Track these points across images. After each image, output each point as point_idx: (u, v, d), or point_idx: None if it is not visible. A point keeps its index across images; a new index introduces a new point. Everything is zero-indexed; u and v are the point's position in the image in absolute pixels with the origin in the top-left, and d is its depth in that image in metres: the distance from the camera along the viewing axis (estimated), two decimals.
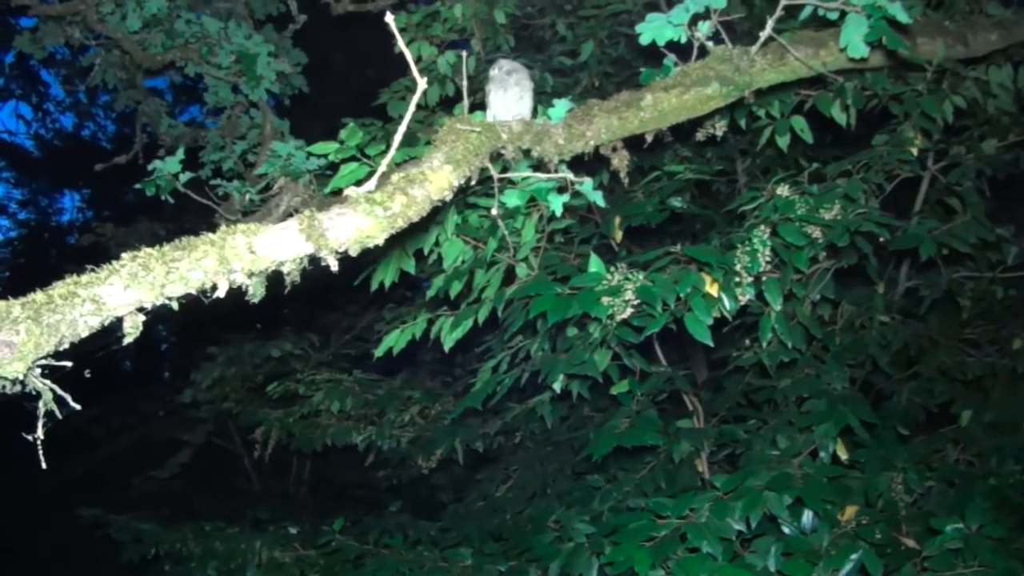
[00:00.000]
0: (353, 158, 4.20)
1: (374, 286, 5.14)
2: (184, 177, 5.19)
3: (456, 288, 5.20)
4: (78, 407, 2.07)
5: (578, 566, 4.82)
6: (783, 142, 5.56)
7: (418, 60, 7.05)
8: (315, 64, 8.52)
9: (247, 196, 6.11)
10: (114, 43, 7.83)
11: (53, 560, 14.55)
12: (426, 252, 5.13)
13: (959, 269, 6.61)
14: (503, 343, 5.80)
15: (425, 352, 11.44)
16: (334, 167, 4.32)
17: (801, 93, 5.45)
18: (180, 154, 5.22)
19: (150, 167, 5.27)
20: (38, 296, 1.96)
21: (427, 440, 7.94)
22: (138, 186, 5.31)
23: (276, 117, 7.53)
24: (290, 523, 7.49)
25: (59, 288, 1.99)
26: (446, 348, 5.32)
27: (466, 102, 3.21)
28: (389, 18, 2.70)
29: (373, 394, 8.20)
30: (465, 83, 3.22)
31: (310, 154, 5.19)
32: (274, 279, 2.51)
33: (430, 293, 5.40)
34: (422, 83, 2.70)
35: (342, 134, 4.33)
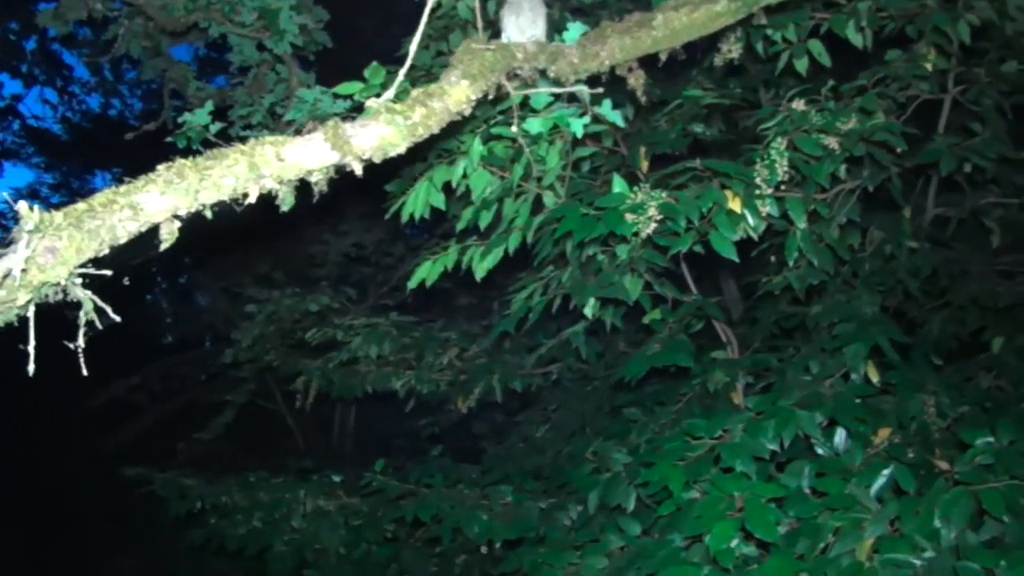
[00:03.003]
0: (378, 95, 4.28)
1: (404, 217, 5.21)
2: (214, 128, 5.27)
3: (485, 219, 5.26)
4: (118, 319, 2.14)
5: (616, 495, 4.90)
6: (801, 66, 5.55)
7: (438, 7, 7.10)
8: (339, 24, 8.56)
9: None
10: (137, 11, 7.90)
11: (107, 520, 14.92)
12: (454, 184, 5.18)
13: (986, 195, 6.60)
14: (535, 275, 5.87)
15: (461, 298, 11.58)
16: (360, 109, 4.42)
17: (816, 17, 5.45)
18: (209, 106, 5.30)
19: (180, 119, 5.36)
20: (79, 205, 2.05)
21: (466, 381, 7.98)
22: (169, 140, 5.40)
23: (301, 72, 7.60)
24: (334, 472, 7.63)
25: (99, 197, 2.09)
26: (478, 277, 5.38)
27: (480, 25, 3.28)
28: None
29: (410, 337, 8.27)
30: (477, 8, 3.29)
31: (336, 96, 5.26)
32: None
33: (460, 225, 5.45)
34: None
35: (366, 73, 4.42)
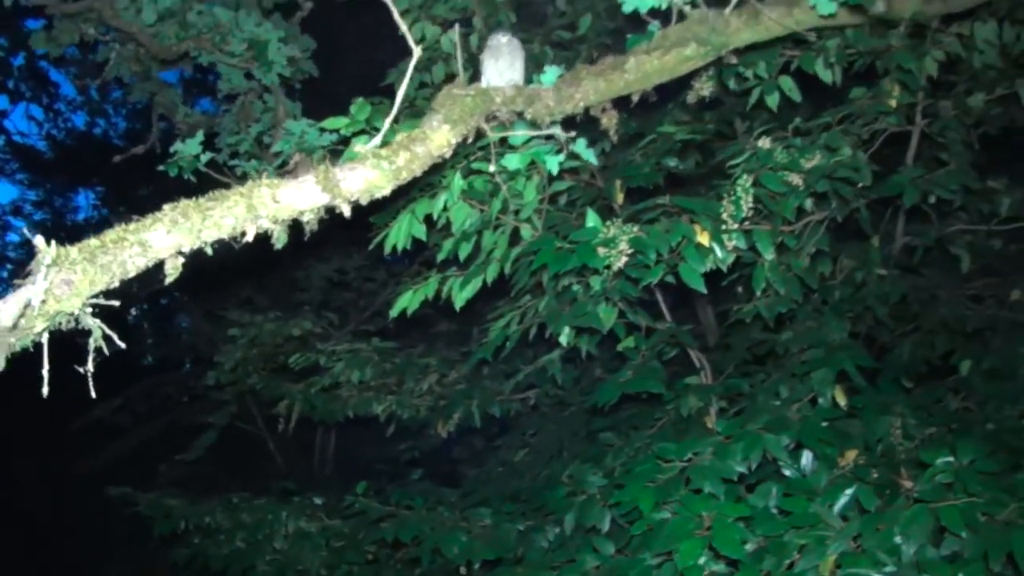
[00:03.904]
0: (363, 131, 4.46)
1: (387, 249, 5.35)
2: (205, 157, 5.43)
3: (465, 250, 5.40)
4: (123, 345, 2.33)
5: (591, 517, 5.06)
6: (772, 102, 5.74)
7: (422, 40, 7.29)
8: (324, 49, 8.69)
9: (264, 174, 6.34)
10: (129, 37, 8.03)
11: (90, 539, 14.95)
12: (435, 217, 5.31)
13: (954, 222, 6.76)
14: (512, 304, 6.04)
15: (441, 324, 11.69)
16: (346, 142, 4.58)
17: (786, 53, 5.64)
18: (200, 136, 5.46)
19: (172, 149, 5.51)
20: (92, 241, 2.25)
21: (445, 407, 8.11)
22: (161, 168, 5.56)
23: (288, 100, 7.75)
24: (315, 494, 7.73)
25: (110, 234, 2.28)
26: (457, 307, 5.51)
27: (461, 72, 3.47)
28: (399, 18, 2.97)
29: (391, 363, 8.39)
30: (458, 55, 3.48)
31: (323, 130, 5.40)
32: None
33: (440, 255, 5.59)
34: (416, 51, 2.97)
35: (352, 109, 4.59)
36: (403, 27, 3.03)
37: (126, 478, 8.43)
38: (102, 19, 7.73)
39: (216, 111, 9.65)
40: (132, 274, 2.31)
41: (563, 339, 5.41)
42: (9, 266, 23.32)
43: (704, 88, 5.46)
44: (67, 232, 23.55)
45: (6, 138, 23.14)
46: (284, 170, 6.25)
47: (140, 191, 20.86)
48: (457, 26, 6.39)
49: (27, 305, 2.10)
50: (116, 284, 2.26)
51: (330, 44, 9.15)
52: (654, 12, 4.04)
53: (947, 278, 6.95)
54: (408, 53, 3.23)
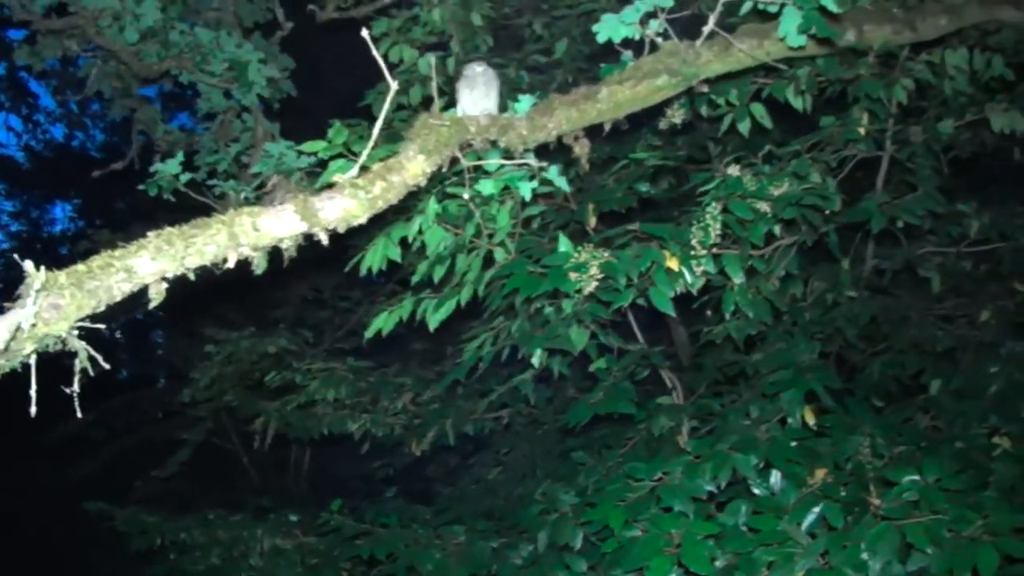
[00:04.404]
0: (340, 155, 4.55)
1: (363, 271, 5.42)
2: (184, 177, 5.50)
3: (439, 272, 5.50)
4: (107, 366, 2.43)
5: (564, 535, 5.12)
6: (744, 127, 5.87)
7: (400, 63, 7.38)
8: (302, 67, 8.75)
9: (243, 194, 6.41)
10: (111, 54, 8.09)
11: (66, 552, 14.91)
12: (410, 240, 5.39)
13: (925, 244, 6.87)
14: (486, 325, 6.13)
15: (415, 343, 11.74)
16: (323, 164, 4.66)
17: (758, 81, 5.76)
18: (180, 156, 5.53)
19: (152, 168, 5.58)
20: (80, 267, 2.34)
21: (420, 425, 8.18)
22: (141, 187, 5.61)
23: (267, 120, 7.82)
24: (290, 511, 7.78)
25: (97, 260, 2.37)
26: (431, 328, 5.57)
27: (437, 100, 3.56)
28: (365, 33, 3.06)
29: (366, 382, 8.46)
30: (434, 83, 3.57)
31: (300, 152, 5.47)
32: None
33: (415, 278, 5.67)
34: (393, 85, 3.07)
35: (329, 133, 4.67)
36: (381, 62, 3.12)
37: (100, 493, 8.43)
38: (85, 36, 7.79)
39: (193, 125, 9.68)
40: (118, 299, 2.40)
41: (535, 360, 5.52)
42: None
43: (676, 116, 5.56)
44: (43, 244, 23.53)
45: None
46: (262, 191, 6.34)
47: (117, 204, 20.88)
48: (432, 56, 6.50)
49: (17, 328, 2.19)
50: (102, 308, 2.35)
51: (308, 63, 9.23)
52: (627, 42, 4.13)
53: (918, 299, 7.06)
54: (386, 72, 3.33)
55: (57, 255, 22.79)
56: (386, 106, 3.08)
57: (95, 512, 7.72)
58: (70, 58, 8.60)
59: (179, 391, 10.93)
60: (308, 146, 4.76)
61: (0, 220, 23.55)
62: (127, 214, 19.33)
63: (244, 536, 7.28)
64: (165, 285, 2.53)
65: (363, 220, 2.99)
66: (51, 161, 23.34)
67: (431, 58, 7.12)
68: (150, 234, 2.49)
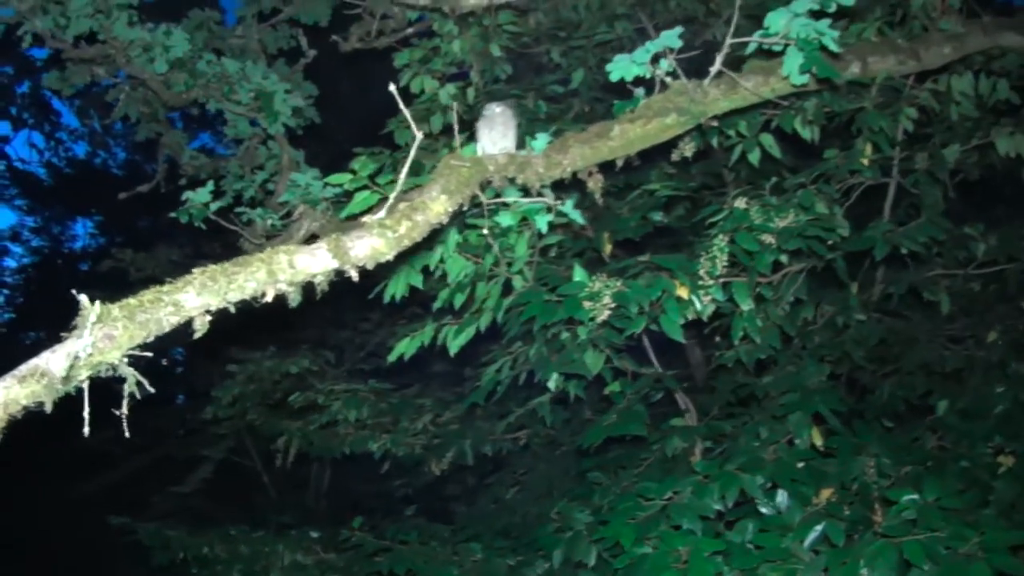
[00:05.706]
0: (365, 187, 4.73)
1: (387, 299, 5.62)
2: (214, 206, 5.71)
3: (460, 299, 5.70)
4: (152, 390, 2.66)
5: (578, 552, 5.31)
6: (754, 158, 6.02)
7: (421, 93, 7.56)
8: (324, 94, 8.90)
9: (269, 222, 6.58)
10: (139, 81, 8.26)
11: (85, 565, 15.02)
12: (432, 268, 5.61)
13: (933, 267, 6.93)
14: (504, 350, 6.32)
15: (436, 365, 11.86)
16: (348, 194, 4.85)
17: (767, 113, 5.92)
18: (210, 185, 5.73)
19: (184, 196, 5.78)
20: (131, 300, 2.57)
21: (439, 445, 8.30)
22: (172, 215, 5.82)
23: (291, 148, 7.99)
24: (311, 528, 7.92)
25: (147, 295, 2.61)
26: (451, 353, 5.79)
27: (457, 136, 3.77)
28: (392, 88, 3.28)
29: (388, 403, 8.60)
30: (455, 122, 3.79)
31: (327, 183, 5.64)
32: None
33: (436, 304, 5.86)
34: (419, 135, 3.29)
35: (354, 164, 4.87)
36: (399, 101, 3.32)
37: (117, 508, 8.57)
38: (114, 64, 7.94)
39: (214, 145, 9.81)
40: (166, 330, 2.63)
41: (551, 384, 5.70)
42: (6, 291, 23.58)
43: (687, 149, 5.66)
44: (64, 259, 23.73)
45: (7, 164, 23.51)
46: (289, 220, 6.52)
47: (139, 221, 21.08)
48: (452, 87, 6.65)
49: (76, 357, 2.40)
50: (152, 339, 2.56)
51: (330, 90, 9.38)
52: (638, 80, 4.31)
53: (928, 320, 7.14)
54: (405, 99, 3.53)
55: (77, 271, 23.06)
56: (412, 153, 3.28)
57: (118, 526, 7.87)
58: (96, 82, 8.76)
59: (199, 409, 11.05)
60: (334, 178, 4.97)
61: (22, 235, 23.84)
62: (148, 232, 19.52)
63: (265, 552, 7.41)
64: (209, 318, 2.76)
65: (390, 257, 3.25)
66: (73, 178, 23.62)
67: (451, 88, 7.34)
68: (195, 271, 2.73)
